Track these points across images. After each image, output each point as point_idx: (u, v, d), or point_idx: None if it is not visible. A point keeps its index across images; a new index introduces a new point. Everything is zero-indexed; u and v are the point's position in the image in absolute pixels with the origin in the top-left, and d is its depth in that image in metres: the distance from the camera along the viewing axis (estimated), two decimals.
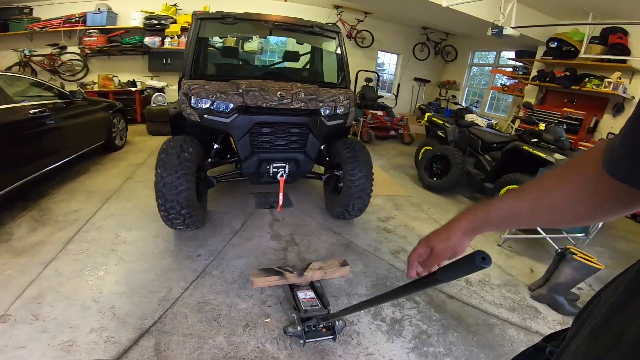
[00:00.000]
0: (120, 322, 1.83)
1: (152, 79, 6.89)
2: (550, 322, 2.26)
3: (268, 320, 1.97)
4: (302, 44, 3.89)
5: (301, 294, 2.07)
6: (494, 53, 7.67)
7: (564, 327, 0.67)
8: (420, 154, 4.99)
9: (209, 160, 2.89)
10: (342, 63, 3.24)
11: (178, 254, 2.50)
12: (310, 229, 3.12)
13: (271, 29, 3.31)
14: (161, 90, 6.66)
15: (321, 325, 1.78)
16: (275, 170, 2.66)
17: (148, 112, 5.80)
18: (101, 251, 2.44)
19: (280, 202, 2.82)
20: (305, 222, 3.25)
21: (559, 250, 2.47)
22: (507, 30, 4.28)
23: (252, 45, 6.16)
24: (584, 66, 4.98)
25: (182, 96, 2.63)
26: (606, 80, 4.55)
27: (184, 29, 6.59)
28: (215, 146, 2.85)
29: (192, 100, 2.51)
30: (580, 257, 2.31)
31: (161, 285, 2.15)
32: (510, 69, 6.73)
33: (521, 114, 5.70)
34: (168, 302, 2.02)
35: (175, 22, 6.65)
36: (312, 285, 2.19)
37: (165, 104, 6.03)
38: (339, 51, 3.28)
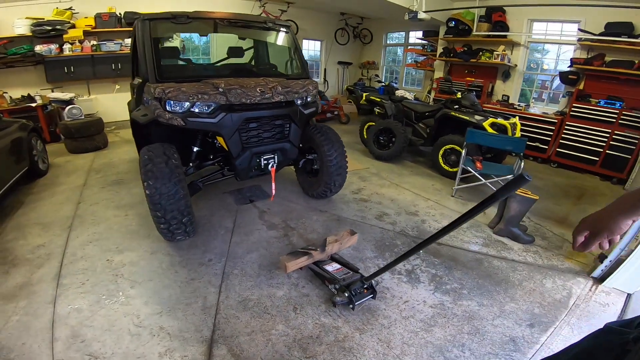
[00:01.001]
0: (181, 339, 1.81)
1: (52, 91, 5.95)
2: (517, 250, 2.90)
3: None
4: (257, 40, 3.87)
5: (329, 267, 2.31)
6: (404, 34, 8.61)
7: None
8: (364, 130, 5.51)
9: (190, 164, 2.85)
10: (299, 55, 3.41)
11: (189, 264, 2.47)
12: (298, 213, 3.32)
13: (224, 26, 3.27)
14: (70, 102, 5.82)
15: (365, 286, 2.05)
16: (265, 162, 2.76)
17: (65, 129, 5.05)
18: (104, 278, 2.27)
19: (274, 191, 2.96)
20: (290, 207, 3.42)
21: None
22: (421, 15, 4.93)
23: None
24: (477, 42, 6.08)
25: (151, 101, 2.48)
26: (495, 52, 5.67)
27: (87, 34, 5.82)
28: (195, 149, 2.80)
29: (169, 105, 2.40)
30: (520, 192, 3.03)
31: (193, 295, 2.15)
32: (420, 47, 7.72)
33: (434, 85, 6.66)
34: (211, 309, 2.05)
35: (74, 26, 5.79)
36: (332, 258, 2.44)
37: (82, 117, 5.33)
38: (293, 45, 3.45)
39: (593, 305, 2.27)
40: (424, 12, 4.93)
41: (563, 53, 5.58)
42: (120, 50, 6.14)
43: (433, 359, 1.80)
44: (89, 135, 5.18)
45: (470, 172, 3.82)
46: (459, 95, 4.70)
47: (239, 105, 2.51)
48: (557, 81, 5.58)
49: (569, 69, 5.21)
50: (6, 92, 5.53)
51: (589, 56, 5.00)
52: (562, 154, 5.17)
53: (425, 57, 7.48)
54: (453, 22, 6.07)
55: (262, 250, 2.69)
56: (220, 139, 2.58)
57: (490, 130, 4.09)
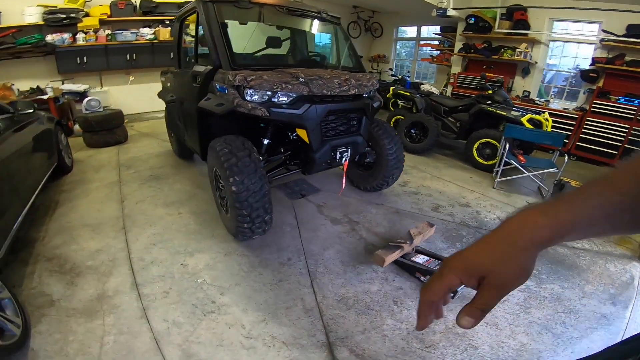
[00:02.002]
0: (299, 347, 1.75)
1: (63, 83, 5.65)
2: None
3: None
4: (316, 32, 3.76)
5: (418, 260, 2.32)
6: (415, 28, 8.67)
7: None
8: (391, 123, 5.53)
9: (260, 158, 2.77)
10: (353, 48, 3.37)
11: (269, 264, 2.39)
12: (355, 206, 3.30)
13: (282, 14, 3.18)
14: (84, 94, 5.55)
15: None
16: (340, 155, 2.73)
17: (85, 122, 4.80)
18: (187, 285, 2.14)
19: (344, 186, 2.94)
20: (345, 201, 3.40)
21: (556, 181, 3.27)
22: (450, 12, 4.97)
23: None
24: (497, 39, 6.20)
25: (229, 90, 2.34)
26: (517, 50, 5.81)
27: (102, 22, 5.54)
28: (266, 142, 2.71)
29: (249, 93, 2.29)
30: (573, 183, 3.13)
31: (289, 298, 2.08)
32: (437, 42, 7.80)
33: (452, 80, 6.76)
34: (313, 310, 1.99)
35: (87, 15, 5.50)
36: (416, 251, 2.45)
37: (101, 109, 5.09)
38: (346, 37, 3.40)
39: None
40: (453, 9, 4.96)
41: (581, 52, 5.78)
42: (136, 40, 5.90)
43: (542, 335, 1.91)
44: (110, 129, 4.95)
45: (508, 165, 3.91)
46: (490, 91, 4.79)
47: (319, 96, 2.45)
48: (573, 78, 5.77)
49: (590, 67, 5.40)
50: (13, 84, 5.21)
51: (609, 56, 5.20)
52: (582, 147, 5.38)
53: (440, 51, 7.57)
54: (472, 19, 6.16)
55: (336, 246, 2.66)
56: (301, 132, 2.50)
57: (528, 125, 4.19)
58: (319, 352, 1.73)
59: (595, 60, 5.28)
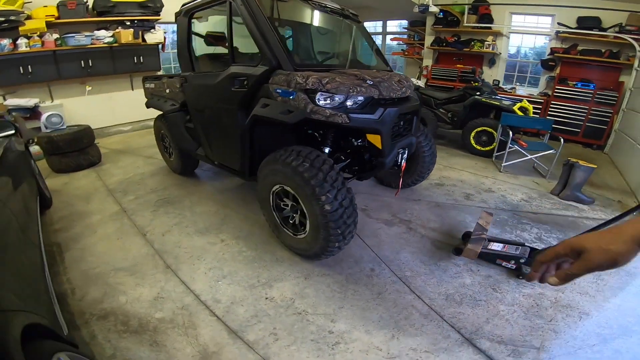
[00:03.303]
0: (442, 350, 1.71)
1: (5, 98, 4.70)
2: (588, 211, 3.36)
3: None
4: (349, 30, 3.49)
5: (496, 247, 2.37)
6: (381, 22, 8.86)
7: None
8: None
9: None
10: (378, 48, 3.31)
11: (357, 279, 2.25)
12: (397, 205, 3.27)
13: (320, 11, 2.94)
14: (35, 109, 4.68)
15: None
16: (401, 157, 2.67)
17: (49, 142, 4.02)
18: (291, 321, 1.91)
19: (400, 187, 2.90)
20: (384, 201, 3.36)
21: (565, 162, 3.60)
22: (432, 8, 5.17)
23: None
24: (465, 32, 6.62)
25: (298, 94, 2.07)
26: (485, 42, 6.27)
27: (50, 25, 4.69)
28: (327, 150, 2.51)
29: (322, 97, 2.05)
30: (582, 162, 3.48)
31: (400, 308, 2.01)
32: (406, 36, 8.07)
33: (424, 72, 7.09)
34: (430, 314, 1.97)
35: (29, 17, 4.60)
36: (490, 239, 2.50)
37: (64, 126, 4.35)
38: (369, 37, 3.31)
39: None
40: (434, 5, 5.17)
41: (538, 43, 6.44)
42: (92, 44, 5.11)
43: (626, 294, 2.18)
44: (81, 149, 4.24)
45: (503, 149, 4.24)
46: (476, 83, 5.11)
47: (385, 99, 2.34)
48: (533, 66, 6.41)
49: (548, 57, 6.04)
50: None
51: (563, 46, 5.87)
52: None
53: (411, 45, 7.86)
54: (441, 14, 6.49)
55: (406, 247, 2.62)
56: (373, 137, 2.36)
57: (519, 113, 4.55)
58: (465, 349, 1.74)
59: (553, 51, 5.92)
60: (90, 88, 5.39)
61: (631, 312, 2.01)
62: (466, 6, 6.30)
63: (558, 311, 1.99)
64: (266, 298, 2.09)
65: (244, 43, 2.73)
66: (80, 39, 4.96)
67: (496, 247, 2.39)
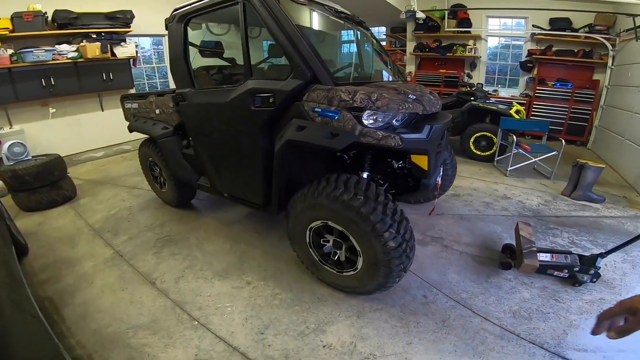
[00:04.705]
0: None
1: None
2: (601, 209, 3.42)
3: None
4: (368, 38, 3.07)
5: (545, 257, 2.28)
6: None
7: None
8: None
9: None
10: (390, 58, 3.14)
11: (414, 310, 2.05)
12: (423, 223, 3.10)
13: (337, 17, 2.68)
14: None
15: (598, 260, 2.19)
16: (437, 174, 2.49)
17: (14, 177, 3.43)
18: None
19: (435, 206, 2.73)
20: (410, 219, 3.10)
21: (575, 163, 3.64)
22: (419, 14, 5.15)
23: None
24: (446, 37, 6.71)
25: (344, 113, 1.80)
26: (467, 46, 6.39)
27: (4, 39, 4.09)
28: (365, 176, 2.23)
29: (369, 117, 1.81)
30: (591, 163, 3.54)
31: (472, 334, 1.88)
32: (385, 43, 8.04)
33: (409, 79, 7.08)
34: (505, 334, 1.88)
35: None
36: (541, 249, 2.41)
37: (29, 156, 3.76)
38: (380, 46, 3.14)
39: None
40: (422, 11, 5.15)
41: (514, 45, 6.67)
42: (53, 60, 4.51)
43: None
44: (53, 182, 3.68)
45: (512, 153, 4.26)
46: (468, 88, 5.14)
47: (428, 115, 2.14)
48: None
49: (526, 58, 6.26)
50: None
51: (539, 47, 6.11)
52: None
53: (392, 52, 7.85)
54: (421, 20, 6.52)
55: (450, 267, 2.47)
56: (419, 158, 2.14)
57: (516, 116, 4.61)
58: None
59: (530, 52, 6.14)
60: (54, 110, 4.74)
61: None
62: (446, 11, 6.39)
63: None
64: (324, 346, 1.82)
65: (255, 54, 2.44)
66: (40, 54, 4.35)
67: (546, 257, 2.31)
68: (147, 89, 6.46)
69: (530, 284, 2.26)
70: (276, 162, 2.07)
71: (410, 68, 7.35)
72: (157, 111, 3.09)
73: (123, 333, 1.93)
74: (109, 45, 5.04)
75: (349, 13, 2.70)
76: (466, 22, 6.40)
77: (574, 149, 5.82)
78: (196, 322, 2.01)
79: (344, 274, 2.08)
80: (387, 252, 1.77)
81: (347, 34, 2.90)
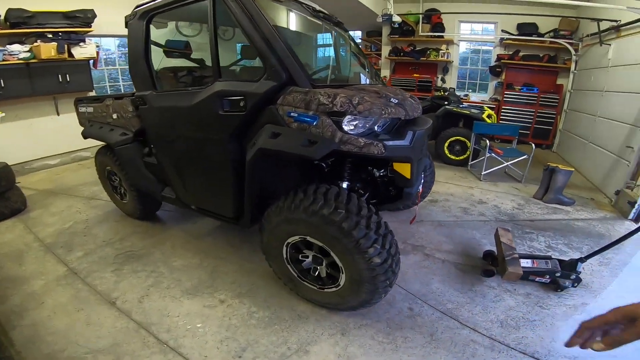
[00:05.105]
0: None
1: None
2: (572, 211, 3.52)
3: None
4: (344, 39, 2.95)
5: (527, 264, 2.27)
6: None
7: None
8: None
9: None
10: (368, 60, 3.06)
11: (402, 324, 1.96)
12: (403, 231, 3.03)
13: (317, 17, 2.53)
14: None
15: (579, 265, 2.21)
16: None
17: None
18: None
19: (416, 214, 2.66)
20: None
21: (546, 167, 3.73)
22: (396, 17, 5.17)
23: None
24: (420, 42, 6.78)
25: (322, 118, 1.66)
26: (440, 51, 6.49)
27: None
28: (345, 186, 2.12)
29: (349, 122, 1.68)
30: (561, 167, 3.63)
31: (461, 346, 1.80)
32: (362, 47, 8.01)
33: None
34: (495, 345, 1.77)
35: None
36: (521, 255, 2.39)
37: None
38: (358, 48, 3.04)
39: None
40: (398, 14, 5.17)
41: (484, 50, 6.86)
42: (3, 60, 4.10)
43: None
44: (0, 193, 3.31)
45: (485, 157, 4.33)
46: (442, 93, 5.20)
47: (409, 120, 2.03)
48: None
49: (495, 63, 6.44)
50: None
51: (507, 52, 6.31)
52: None
53: (368, 56, 7.85)
54: (397, 24, 6.56)
55: (433, 277, 2.40)
56: (402, 166, 2.04)
57: (488, 121, 4.69)
58: None
59: (499, 57, 6.33)
60: (3, 114, 4.28)
61: None
62: (420, 15, 6.48)
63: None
64: None
65: (226, 56, 2.27)
66: None
67: (527, 263, 2.30)
68: (108, 92, 6.05)
69: (513, 291, 2.24)
70: (248, 172, 1.90)
71: (385, 72, 7.39)
72: (115, 116, 2.82)
73: (80, 358, 1.72)
74: (66, 46, 4.67)
75: (327, 13, 2.59)
76: (439, 27, 6.51)
77: (540, 152, 6.02)
78: (165, 346, 1.81)
79: (326, 290, 1.96)
80: (372, 268, 1.66)
81: (325, 35, 2.76)
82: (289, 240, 1.91)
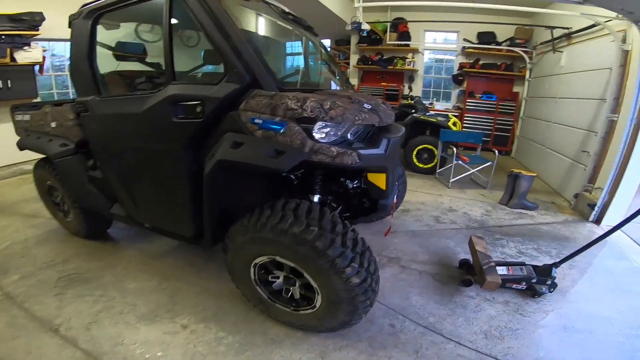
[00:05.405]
0: None
1: None
2: (536, 215, 3.65)
3: None
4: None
5: (503, 271, 2.26)
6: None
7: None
8: None
9: None
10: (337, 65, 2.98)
11: (384, 343, 1.84)
12: (376, 242, 2.93)
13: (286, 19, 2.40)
14: None
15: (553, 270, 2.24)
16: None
17: None
18: None
19: (391, 225, 2.57)
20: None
21: (509, 173, 3.84)
22: (364, 25, 5.18)
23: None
24: (388, 50, 6.90)
25: (290, 125, 1.50)
26: (407, 60, 6.63)
27: None
28: (317, 199, 1.97)
29: (319, 130, 1.54)
30: (524, 173, 3.76)
31: None
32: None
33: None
34: (489, 357, 1.69)
35: None
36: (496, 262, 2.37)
37: None
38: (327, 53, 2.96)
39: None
40: (367, 22, 5.18)
41: (446, 59, 7.10)
42: None
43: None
44: None
45: (453, 165, 4.41)
46: (409, 100, 5.28)
47: (382, 127, 1.91)
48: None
49: (458, 72, 6.68)
50: None
51: (468, 61, 6.57)
52: None
53: None
54: (365, 32, 6.62)
55: (411, 289, 2.33)
56: (376, 177, 1.92)
57: (454, 128, 4.80)
58: None
59: (461, 66, 6.57)
60: None
61: None
62: (388, 24, 6.59)
63: (594, 324, 2.02)
64: None
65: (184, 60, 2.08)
66: None
67: (503, 270, 2.29)
68: (55, 98, 5.51)
69: (493, 300, 2.22)
70: (206, 187, 1.69)
71: (354, 81, 7.43)
72: (53, 124, 2.48)
73: None
74: (8, 50, 4.24)
75: (296, 15, 2.47)
76: (406, 36, 6.66)
77: (500, 158, 6.23)
78: None
79: (301, 312, 1.80)
80: (351, 289, 1.53)
81: (294, 37, 2.63)
82: (257, 261, 1.74)
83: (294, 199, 1.67)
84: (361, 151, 1.63)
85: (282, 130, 1.52)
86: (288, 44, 2.64)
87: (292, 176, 1.96)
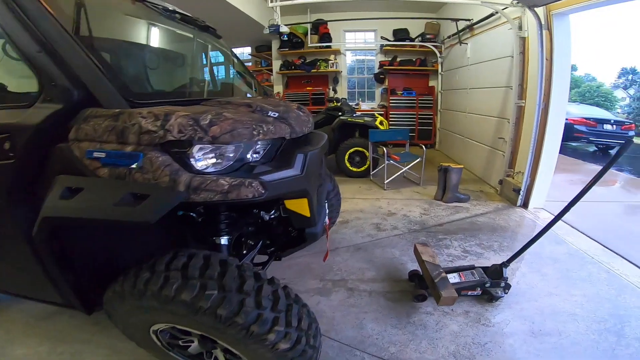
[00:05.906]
0: None
1: None
2: (471, 207, 3.71)
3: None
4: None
5: (456, 279, 2.16)
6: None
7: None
8: None
9: None
10: (248, 70, 2.62)
11: None
12: (319, 265, 2.63)
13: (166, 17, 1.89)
14: None
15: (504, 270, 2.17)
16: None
17: None
18: None
19: (328, 250, 2.25)
20: (299, 265, 2.64)
21: (439, 167, 3.88)
22: (283, 28, 4.90)
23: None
24: (310, 53, 6.70)
25: (150, 154, 1.08)
26: (330, 62, 6.49)
27: None
28: (224, 241, 1.55)
29: (202, 154, 1.16)
30: (453, 165, 3.81)
31: None
32: (251, 64, 7.51)
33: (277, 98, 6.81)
34: None
35: None
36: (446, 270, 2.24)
37: None
38: (233, 56, 2.57)
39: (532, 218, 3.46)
40: (285, 25, 4.89)
41: (367, 59, 7.16)
42: None
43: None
44: None
45: (385, 165, 4.37)
46: (335, 103, 5.12)
47: (297, 138, 1.57)
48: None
49: (379, 70, 6.77)
50: None
51: (387, 59, 6.70)
52: None
53: (259, 72, 7.42)
54: (285, 36, 6.33)
55: (364, 316, 2.06)
56: (296, 203, 1.54)
57: (382, 127, 4.76)
58: None
59: (381, 64, 6.67)
60: None
61: None
62: (309, 26, 6.39)
63: (560, 323, 1.96)
64: None
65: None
66: None
67: (455, 278, 2.18)
68: None
69: (451, 312, 2.08)
70: (42, 252, 1.22)
71: (279, 88, 7.11)
72: None
73: None
74: None
75: (189, 15, 2.03)
76: (327, 37, 6.55)
77: (427, 152, 6.54)
78: None
79: None
80: (281, 355, 1.18)
81: (178, 39, 2.15)
82: (154, 328, 1.32)
83: (185, 250, 1.26)
84: (266, 177, 1.26)
85: (136, 165, 1.08)
86: (170, 47, 2.15)
87: (193, 214, 1.54)
